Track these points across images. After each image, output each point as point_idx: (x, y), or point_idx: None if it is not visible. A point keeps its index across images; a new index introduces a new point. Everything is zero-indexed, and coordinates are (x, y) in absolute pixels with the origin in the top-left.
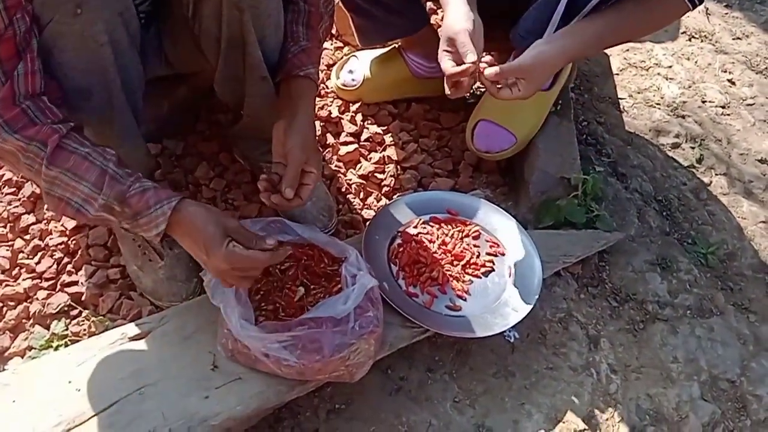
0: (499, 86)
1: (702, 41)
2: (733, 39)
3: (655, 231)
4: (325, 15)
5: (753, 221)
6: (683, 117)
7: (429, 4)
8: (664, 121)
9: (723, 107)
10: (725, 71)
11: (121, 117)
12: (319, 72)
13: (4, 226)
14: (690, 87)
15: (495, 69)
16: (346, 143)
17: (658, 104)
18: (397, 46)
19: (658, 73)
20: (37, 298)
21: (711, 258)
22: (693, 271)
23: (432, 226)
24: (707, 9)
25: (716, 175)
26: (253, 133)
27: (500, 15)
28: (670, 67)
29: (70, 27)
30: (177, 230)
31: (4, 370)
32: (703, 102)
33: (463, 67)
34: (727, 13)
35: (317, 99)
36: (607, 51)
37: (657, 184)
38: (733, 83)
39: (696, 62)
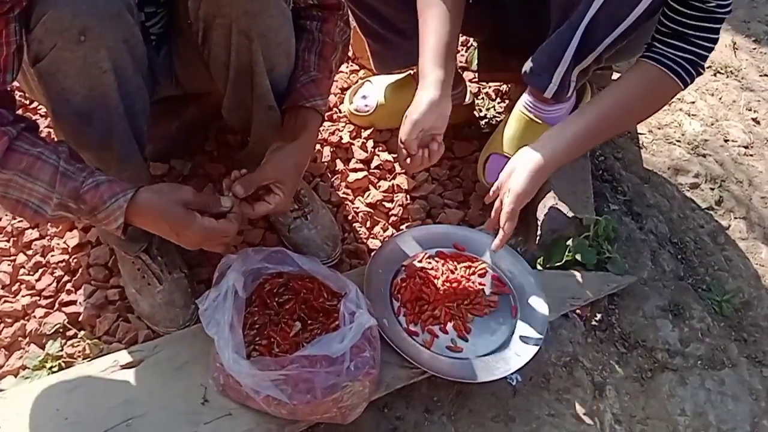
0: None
1: (728, 77)
2: (760, 76)
3: (669, 275)
4: (339, 45)
5: None
6: (704, 156)
7: None
8: (683, 160)
9: (746, 147)
10: (750, 109)
11: (121, 142)
12: (328, 101)
13: (8, 240)
14: (713, 124)
15: (506, 225)
16: (355, 170)
17: (678, 141)
18: (412, 72)
19: (680, 109)
20: (35, 316)
21: (726, 306)
22: (706, 320)
23: (437, 261)
24: (735, 43)
25: (735, 218)
26: (259, 159)
27: (518, 45)
28: (693, 102)
29: (73, 54)
30: (139, 220)
31: None
32: (726, 141)
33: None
34: (755, 48)
35: (329, 123)
36: None
37: (673, 225)
38: (758, 122)
39: (720, 98)
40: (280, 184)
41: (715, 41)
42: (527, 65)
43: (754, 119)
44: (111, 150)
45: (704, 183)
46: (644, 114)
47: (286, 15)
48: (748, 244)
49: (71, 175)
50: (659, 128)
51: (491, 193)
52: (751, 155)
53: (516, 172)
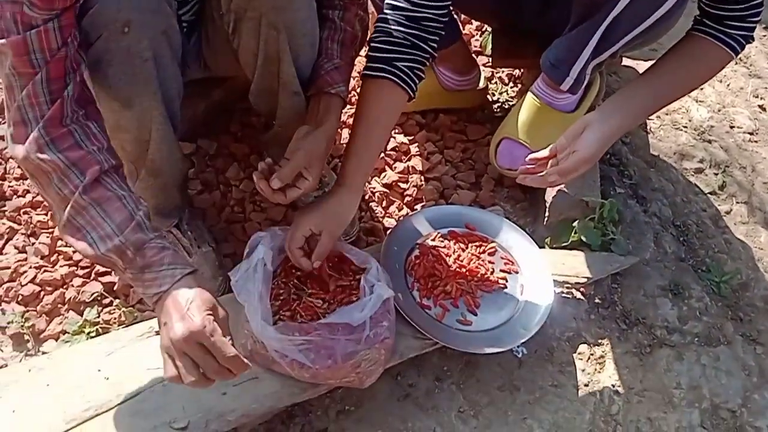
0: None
1: (737, 63)
2: None
3: (670, 256)
4: (359, 32)
5: None
6: (709, 142)
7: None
8: (689, 145)
9: (751, 134)
10: (757, 96)
11: (158, 125)
12: (349, 88)
13: (46, 214)
14: (719, 111)
15: (553, 177)
16: None
17: (685, 127)
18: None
19: (689, 95)
20: (73, 285)
21: (724, 287)
22: (704, 299)
23: (449, 240)
24: None
25: (737, 203)
26: (284, 142)
27: (532, 32)
28: (701, 89)
29: (118, 44)
30: (172, 294)
31: (39, 351)
32: (731, 127)
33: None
34: (765, 35)
35: (348, 107)
36: (639, 69)
37: (676, 208)
38: (764, 109)
39: (728, 85)
40: (309, 168)
41: (759, 13)
42: (545, 57)
43: (760, 106)
44: (148, 131)
45: (708, 168)
46: (699, 82)
47: (312, 7)
48: (749, 228)
49: (144, 229)
50: (667, 114)
51: (551, 151)
52: (756, 141)
53: (586, 136)
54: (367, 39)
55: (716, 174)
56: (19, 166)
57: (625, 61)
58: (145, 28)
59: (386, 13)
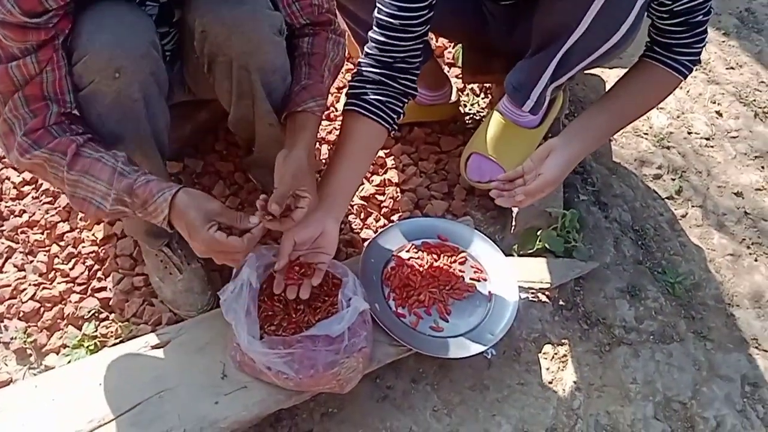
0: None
1: (696, 70)
2: (727, 69)
3: (629, 260)
4: (330, 53)
5: (721, 253)
6: (668, 148)
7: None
8: (649, 152)
9: (707, 139)
10: (714, 102)
11: (148, 156)
12: (324, 103)
13: (42, 233)
14: (678, 117)
15: (521, 197)
16: None
17: (646, 134)
18: None
19: None
20: (71, 301)
21: (678, 287)
22: (660, 299)
23: (423, 251)
24: None
25: (692, 206)
26: (264, 164)
27: (499, 50)
28: None
29: (109, 88)
30: (173, 216)
31: (42, 365)
32: (689, 133)
33: (276, 267)
34: (724, 41)
35: (326, 122)
36: (603, 77)
37: (636, 214)
38: (720, 115)
39: (688, 92)
40: (303, 187)
41: (704, 38)
42: (508, 80)
43: (717, 112)
44: (139, 162)
45: (666, 174)
46: (652, 105)
47: (280, 46)
48: (702, 231)
49: (127, 175)
50: None
51: (517, 173)
52: (712, 147)
53: (550, 161)
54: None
55: (673, 179)
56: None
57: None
58: (134, 73)
59: (361, 58)
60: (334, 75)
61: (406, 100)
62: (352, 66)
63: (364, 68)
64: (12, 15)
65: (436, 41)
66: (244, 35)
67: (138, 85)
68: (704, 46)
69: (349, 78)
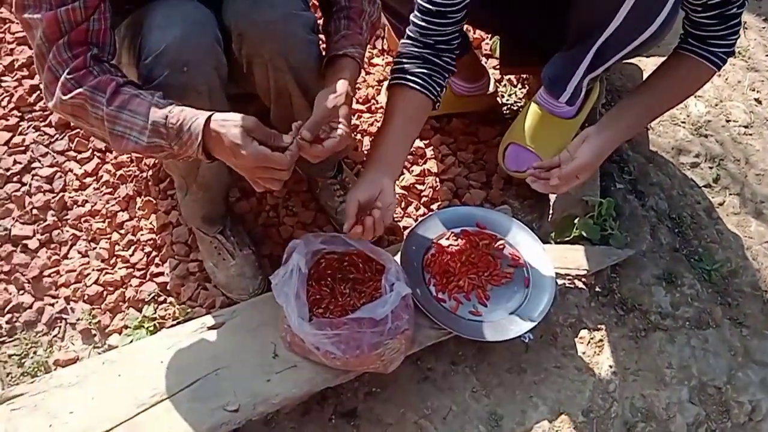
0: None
1: (735, 57)
2: (766, 55)
3: (665, 247)
4: (366, 7)
5: (759, 240)
6: (705, 136)
7: (476, 34)
8: (686, 140)
9: (746, 127)
10: (753, 89)
11: None
12: (363, 54)
13: (103, 222)
14: (717, 105)
15: (555, 181)
16: None
17: (683, 123)
18: None
19: None
20: (131, 285)
21: (714, 274)
22: (696, 286)
23: (462, 239)
24: (745, 23)
25: (730, 194)
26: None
27: (536, 42)
28: None
29: (177, 81)
30: (210, 141)
31: (105, 344)
32: (728, 121)
33: (345, 228)
34: (764, 28)
35: (368, 115)
36: (641, 66)
37: (672, 202)
38: (760, 102)
39: (726, 79)
40: (337, 115)
41: (738, 30)
42: (545, 72)
43: (756, 99)
44: None
45: (704, 162)
46: (686, 95)
47: (313, 45)
48: (740, 219)
49: (160, 105)
50: None
51: (551, 162)
52: (750, 134)
53: (584, 147)
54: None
55: (711, 167)
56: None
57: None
58: (201, 67)
59: (403, 40)
60: (371, 32)
61: (447, 75)
62: (390, 59)
63: (406, 48)
64: None
65: (474, 33)
66: (278, 38)
67: (203, 78)
68: (738, 38)
69: (393, 60)
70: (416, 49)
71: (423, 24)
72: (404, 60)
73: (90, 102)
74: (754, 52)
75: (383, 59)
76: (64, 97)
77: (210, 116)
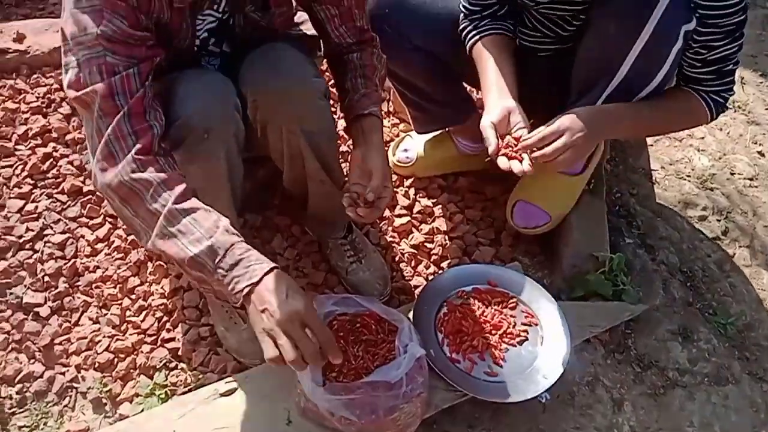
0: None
1: (735, 111)
2: (766, 109)
3: (679, 302)
4: (378, 65)
5: None
6: (711, 189)
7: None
8: (692, 194)
9: (751, 179)
10: (756, 142)
11: (224, 207)
12: (381, 108)
13: (114, 287)
14: (720, 158)
15: (536, 136)
16: (400, 215)
17: (688, 176)
18: (447, 129)
19: (691, 145)
20: (142, 351)
21: (730, 328)
22: (712, 341)
23: (474, 297)
24: (742, 78)
25: (740, 247)
26: (319, 218)
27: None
28: (703, 138)
29: (197, 147)
30: (264, 283)
31: (117, 414)
32: (732, 174)
33: (490, 151)
34: (761, 83)
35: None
36: None
37: (683, 255)
38: (763, 155)
39: (728, 133)
40: (387, 179)
41: (732, 88)
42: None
43: (759, 152)
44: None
45: (711, 215)
46: (674, 127)
47: (326, 110)
48: (752, 271)
49: (230, 232)
50: (671, 164)
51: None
52: (756, 187)
53: (564, 115)
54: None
55: (719, 220)
56: (105, 200)
57: None
58: (221, 134)
59: (461, 19)
60: (382, 86)
61: (510, 22)
62: (397, 121)
63: (464, 22)
64: (122, 30)
65: (477, 94)
66: (293, 103)
67: (223, 144)
68: (733, 94)
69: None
70: (474, 14)
71: (470, 8)
72: (469, 25)
73: (153, 193)
74: (753, 106)
75: (389, 121)
76: (125, 178)
77: (274, 267)
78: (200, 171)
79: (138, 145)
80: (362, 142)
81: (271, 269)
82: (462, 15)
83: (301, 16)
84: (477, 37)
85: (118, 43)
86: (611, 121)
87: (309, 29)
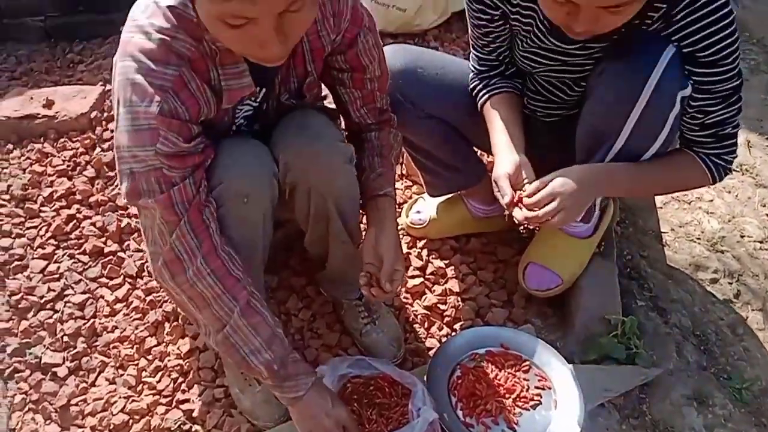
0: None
1: (743, 174)
2: None
3: (693, 365)
4: (394, 144)
5: None
6: (722, 252)
7: (490, 158)
8: (703, 257)
9: (761, 242)
10: (764, 205)
11: (254, 271)
12: (395, 187)
13: (132, 347)
14: (729, 221)
15: (531, 199)
16: (413, 276)
17: (698, 239)
18: (459, 193)
19: (700, 207)
20: (157, 413)
21: (745, 393)
22: (728, 406)
23: (487, 360)
24: (749, 141)
25: (752, 310)
26: (336, 278)
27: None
28: (711, 201)
29: (237, 212)
30: (308, 397)
31: None
32: (742, 237)
33: (504, 203)
34: None
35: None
36: None
37: (695, 318)
38: None
39: (736, 196)
40: (399, 260)
41: (735, 150)
42: None
43: (767, 215)
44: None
45: (723, 278)
46: (672, 189)
47: (351, 173)
48: (765, 335)
49: (284, 344)
50: (680, 227)
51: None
52: (766, 249)
53: (560, 176)
54: None
55: (730, 283)
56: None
57: None
58: (259, 199)
59: (470, 76)
60: (397, 164)
61: (518, 81)
62: (410, 183)
63: (474, 80)
64: (177, 146)
65: (487, 158)
66: (322, 167)
67: (260, 209)
68: (735, 156)
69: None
70: (483, 73)
71: (477, 56)
72: (479, 84)
73: (217, 300)
74: (761, 170)
75: (402, 183)
76: (197, 283)
77: (316, 379)
78: (238, 234)
79: (202, 249)
80: (376, 223)
81: (312, 384)
82: (471, 74)
83: (323, 89)
84: (487, 95)
85: (174, 158)
86: (605, 181)
87: (331, 103)
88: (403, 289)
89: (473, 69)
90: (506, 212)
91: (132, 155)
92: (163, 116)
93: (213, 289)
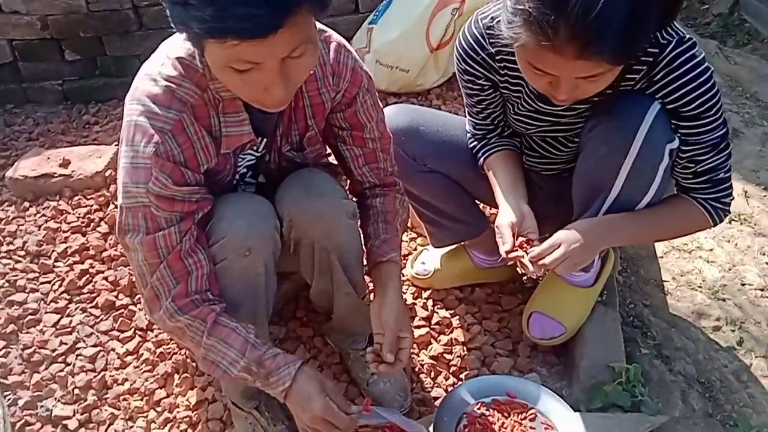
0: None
1: (742, 224)
2: None
3: (698, 413)
4: (399, 209)
5: None
6: (723, 300)
7: (492, 211)
8: (705, 305)
9: (762, 290)
10: (764, 254)
11: (258, 323)
12: (401, 253)
13: (141, 399)
14: (730, 270)
15: (536, 250)
16: (418, 327)
17: (700, 287)
18: (463, 243)
19: (700, 256)
20: None
21: None
22: None
23: (493, 409)
24: (746, 192)
25: (756, 357)
26: (341, 329)
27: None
28: (711, 250)
29: (239, 264)
30: (292, 388)
31: None
32: (743, 285)
33: (502, 251)
34: (765, 196)
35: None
36: None
37: (699, 366)
38: None
39: (736, 245)
40: (402, 329)
41: (731, 194)
42: None
43: (767, 263)
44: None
45: (725, 325)
46: (675, 234)
47: (354, 228)
48: None
49: (257, 347)
50: (682, 275)
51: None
52: (767, 297)
53: (567, 230)
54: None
55: (733, 330)
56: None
57: None
58: (261, 252)
59: (468, 139)
60: (403, 230)
61: (518, 138)
62: (415, 235)
63: (473, 142)
64: (167, 187)
65: (490, 210)
66: (325, 222)
67: (262, 261)
68: (732, 199)
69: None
70: (480, 134)
71: (473, 122)
72: (478, 144)
73: (189, 328)
74: (759, 219)
75: (407, 235)
76: (168, 322)
77: (300, 365)
78: (240, 286)
79: (176, 290)
80: (380, 292)
81: (296, 373)
82: (468, 136)
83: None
84: (487, 154)
85: (162, 199)
86: (609, 231)
87: (334, 160)
88: None
89: (469, 132)
90: (507, 261)
91: (126, 191)
92: (158, 156)
93: (183, 322)
